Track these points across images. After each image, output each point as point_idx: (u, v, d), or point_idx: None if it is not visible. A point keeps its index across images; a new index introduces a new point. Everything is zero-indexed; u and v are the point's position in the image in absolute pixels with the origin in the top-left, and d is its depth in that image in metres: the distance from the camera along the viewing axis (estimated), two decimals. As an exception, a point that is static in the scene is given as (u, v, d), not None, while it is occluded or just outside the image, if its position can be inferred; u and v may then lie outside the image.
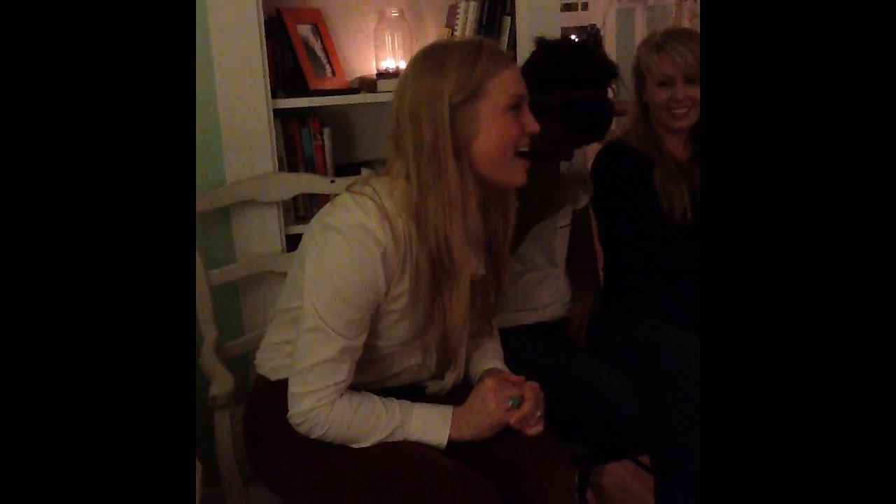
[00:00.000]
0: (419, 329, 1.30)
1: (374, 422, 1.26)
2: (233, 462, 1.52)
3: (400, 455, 1.24)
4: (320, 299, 1.23)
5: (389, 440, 1.26)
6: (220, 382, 1.51)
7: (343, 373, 1.25)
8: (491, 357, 1.45)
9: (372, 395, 1.29)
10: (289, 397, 1.26)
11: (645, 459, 1.71)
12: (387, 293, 1.26)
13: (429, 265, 1.25)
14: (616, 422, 1.51)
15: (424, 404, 1.30)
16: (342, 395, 1.26)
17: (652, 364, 1.52)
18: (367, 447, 1.26)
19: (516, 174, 1.28)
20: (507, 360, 1.45)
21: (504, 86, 1.24)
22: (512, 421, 1.28)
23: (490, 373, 1.39)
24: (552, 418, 1.35)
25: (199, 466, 1.22)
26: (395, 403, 1.28)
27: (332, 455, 1.27)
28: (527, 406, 1.29)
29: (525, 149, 1.28)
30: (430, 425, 1.28)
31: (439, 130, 1.22)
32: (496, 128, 1.24)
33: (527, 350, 1.62)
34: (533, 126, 1.27)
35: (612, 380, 1.53)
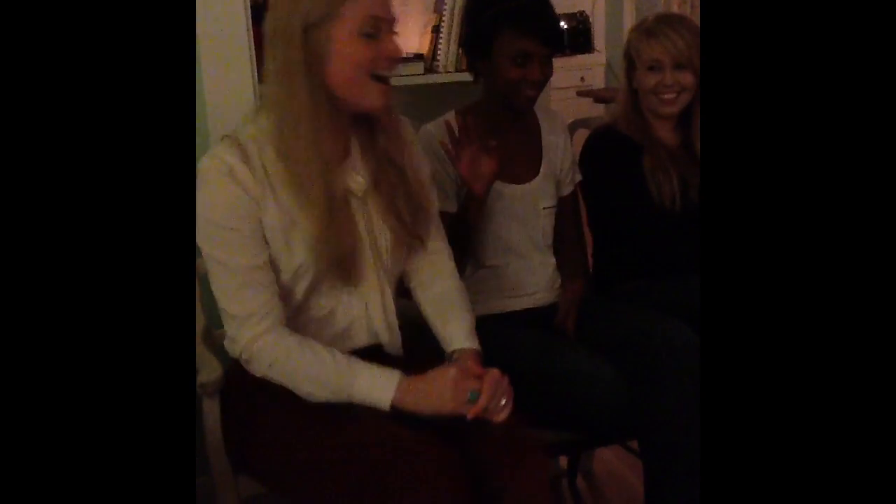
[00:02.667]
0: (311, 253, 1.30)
1: (318, 370, 1.27)
2: (221, 450, 1.51)
3: (376, 437, 1.23)
4: (203, 239, 1.28)
5: (335, 399, 1.26)
6: (209, 370, 1.50)
7: (262, 293, 1.28)
8: (466, 333, 1.43)
9: (322, 345, 1.30)
10: (226, 344, 1.32)
11: (634, 444, 1.72)
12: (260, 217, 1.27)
13: (289, 188, 1.26)
14: (604, 408, 1.51)
15: (374, 365, 1.29)
16: (281, 328, 1.29)
17: (641, 351, 1.52)
18: (345, 430, 1.25)
19: (373, 98, 1.28)
20: (495, 348, 1.45)
21: (359, 8, 1.23)
22: (469, 415, 1.26)
23: (463, 353, 1.39)
24: (539, 405, 1.35)
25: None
26: (343, 358, 1.28)
27: (306, 436, 1.27)
28: (483, 401, 1.26)
29: (385, 73, 1.27)
30: (374, 385, 1.26)
31: (291, 51, 1.23)
32: (349, 52, 1.24)
33: (515, 337, 1.62)
34: (392, 50, 1.27)
35: (600, 367, 1.53)
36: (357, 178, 1.34)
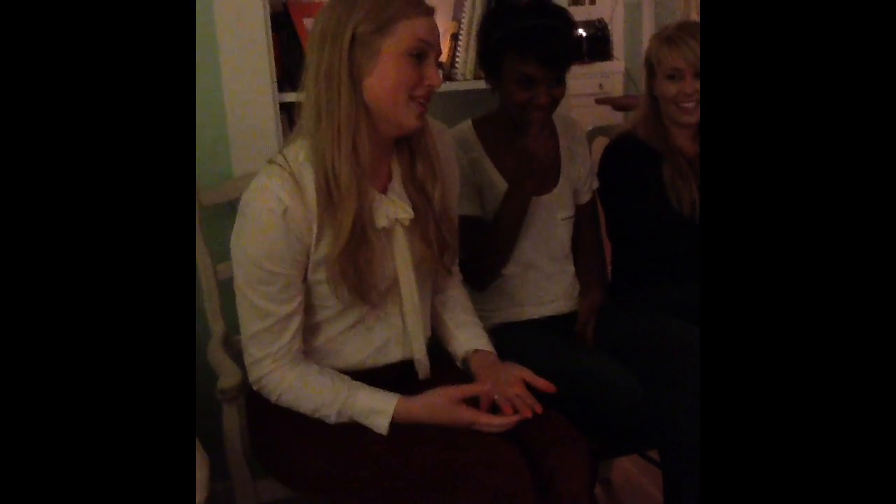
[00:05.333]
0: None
1: (321, 401, 1.29)
2: (241, 455, 1.52)
3: (411, 429, 1.25)
4: (240, 275, 1.28)
5: (341, 420, 1.29)
6: (228, 376, 1.51)
7: (285, 337, 1.29)
8: (473, 335, 1.46)
9: (327, 371, 1.32)
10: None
11: (653, 454, 1.71)
12: (309, 257, 1.27)
13: (321, 196, 1.24)
14: (623, 416, 1.51)
15: (372, 388, 1.30)
16: (295, 363, 1.31)
17: (659, 359, 1.52)
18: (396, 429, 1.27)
19: (408, 117, 1.26)
20: (513, 356, 1.44)
21: (412, 30, 1.23)
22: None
23: (479, 355, 1.42)
24: (559, 412, 1.35)
25: (206, 460, 1.22)
26: (344, 383, 1.30)
27: (337, 438, 1.28)
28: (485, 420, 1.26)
29: (422, 99, 1.27)
30: (371, 409, 1.28)
31: (337, 56, 1.22)
32: (393, 69, 1.23)
33: (533, 345, 1.61)
34: (434, 79, 1.26)
35: (619, 374, 1.53)
36: (406, 209, 1.33)
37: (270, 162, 1.28)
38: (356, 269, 1.27)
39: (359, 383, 1.31)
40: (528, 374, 1.34)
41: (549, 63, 1.59)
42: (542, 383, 1.32)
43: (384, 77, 1.23)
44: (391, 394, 1.29)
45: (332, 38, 1.22)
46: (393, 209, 1.32)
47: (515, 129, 1.64)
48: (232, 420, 1.51)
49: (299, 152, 1.27)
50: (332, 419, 1.30)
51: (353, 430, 1.28)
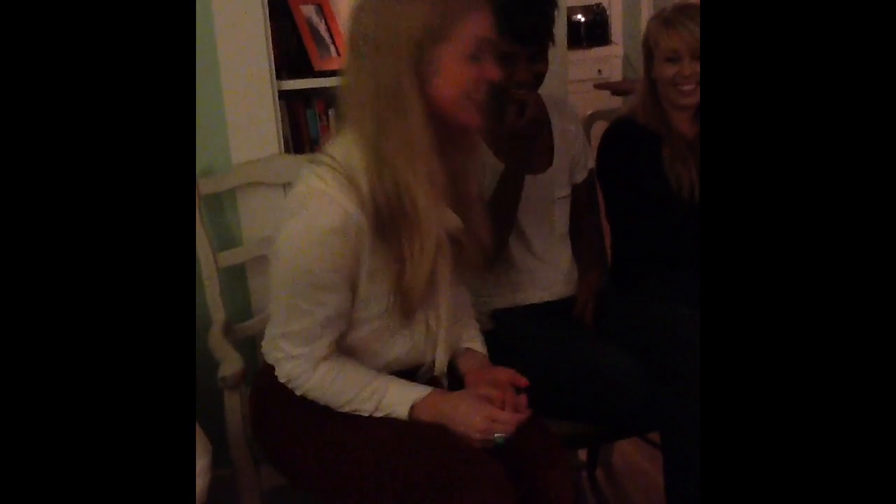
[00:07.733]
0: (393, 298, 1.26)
1: (354, 395, 1.26)
2: (243, 442, 1.53)
3: (410, 436, 1.24)
4: (284, 276, 1.22)
5: (366, 412, 1.27)
6: (230, 364, 1.51)
7: (324, 340, 1.25)
8: (469, 336, 1.44)
9: (357, 366, 1.29)
10: (270, 357, 1.30)
11: (653, 437, 1.71)
12: (360, 265, 1.21)
13: (389, 218, 1.18)
14: (623, 401, 1.51)
15: (402, 381, 1.29)
16: (326, 359, 1.26)
17: (662, 344, 1.52)
18: (376, 428, 1.26)
19: (472, 118, 1.21)
20: (514, 341, 1.44)
21: (470, 30, 1.17)
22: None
23: (466, 353, 1.40)
24: (559, 398, 1.35)
25: (209, 447, 1.22)
26: (375, 381, 1.27)
27: (339, 437, 1.27)
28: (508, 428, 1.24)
29: (481, 96, 1.21)
30: (400, 400, 1.26)
31: (402, 66, 1.14)
32: (455, 74, 1.17)
33: (533, 330, 1.61)
34: (490, 73, 1.21)
35: (619, 359, 1.53)
36: (456, 218, 1.27)
37: (317, 162, 1.20)
38: (425, 287, 1.23)
39: (391, 377, 1.29)
40: (513, 375, 1.32)
41: (524, 39, 1.55)
42: (523, 382, 1.30)
43: (447, 83, 1.17)
44: (423, 386, 1.28)
45: (392, 43, 1.14)
46: (445, 212, 1.25)
47: (497, 108, 1.62)
48: (234, 407, 1.52)
49: (352, 155, 1.19)
50: (364, 412, 1.27)
51: (356, 433, 1.27)
